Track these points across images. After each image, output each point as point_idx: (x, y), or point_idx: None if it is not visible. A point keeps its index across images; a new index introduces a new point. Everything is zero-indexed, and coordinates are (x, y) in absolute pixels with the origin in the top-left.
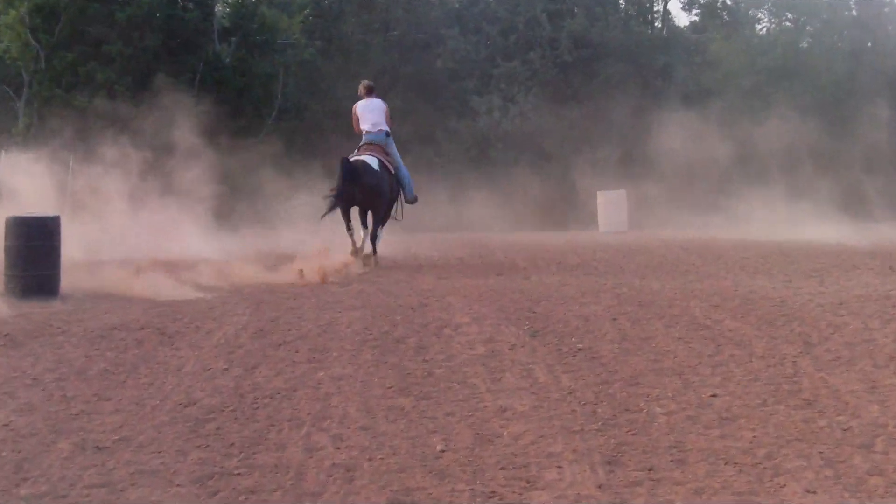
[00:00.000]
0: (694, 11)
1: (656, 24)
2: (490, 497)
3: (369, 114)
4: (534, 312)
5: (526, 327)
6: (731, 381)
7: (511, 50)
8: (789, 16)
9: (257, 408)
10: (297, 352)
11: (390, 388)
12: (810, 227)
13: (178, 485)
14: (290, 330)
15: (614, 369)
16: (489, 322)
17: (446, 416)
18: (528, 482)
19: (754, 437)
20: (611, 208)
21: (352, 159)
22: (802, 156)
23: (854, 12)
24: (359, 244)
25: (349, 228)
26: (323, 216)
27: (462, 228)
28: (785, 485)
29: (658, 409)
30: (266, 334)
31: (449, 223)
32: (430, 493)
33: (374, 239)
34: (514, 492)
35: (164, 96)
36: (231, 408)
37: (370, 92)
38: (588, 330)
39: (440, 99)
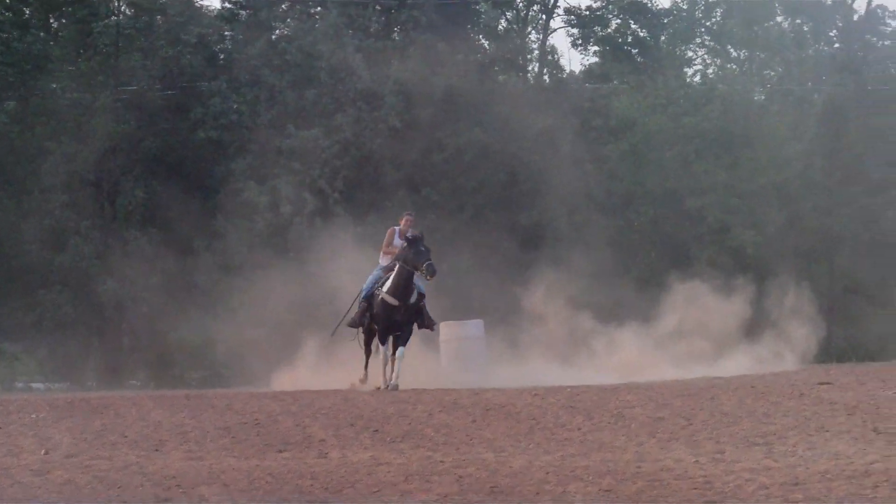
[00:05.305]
0: (591, 49)
1: (531, 68)
2: None
3: None
4: None
5: None
6: None
7: (308, 111)
8: (735, 54)
9: None
10: None
11: None
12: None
13: None
14: None
15: None
16: None
17: None
18: None
19: None
20: (460, 347)
21: None
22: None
23: (837, 45)
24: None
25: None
26: None
27: (231, 381)
28: None
29: None
30: None
31: (213, 373)
32: None
33: None
34: None
35: None
36: None
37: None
38: None
39: (200, 187)
